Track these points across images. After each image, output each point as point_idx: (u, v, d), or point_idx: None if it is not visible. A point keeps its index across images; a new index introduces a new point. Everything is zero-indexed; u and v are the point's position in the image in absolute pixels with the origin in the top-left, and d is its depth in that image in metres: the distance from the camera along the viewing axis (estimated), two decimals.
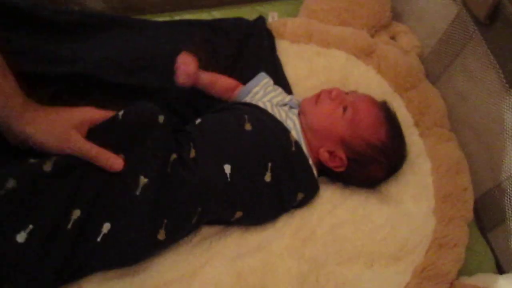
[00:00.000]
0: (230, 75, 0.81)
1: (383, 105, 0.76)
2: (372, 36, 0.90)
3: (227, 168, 0.66)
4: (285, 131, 0.71)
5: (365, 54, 0.86)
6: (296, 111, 0.77)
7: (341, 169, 0.73)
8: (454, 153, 0.78)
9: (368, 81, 0.85)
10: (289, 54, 0.86)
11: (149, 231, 0.62)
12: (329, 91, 0.75)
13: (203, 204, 0.65)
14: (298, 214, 0.72)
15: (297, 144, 0.71)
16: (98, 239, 0.59)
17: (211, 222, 0.70)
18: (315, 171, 0.72)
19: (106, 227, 0.59)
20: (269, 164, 0.68)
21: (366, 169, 0.73)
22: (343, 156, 0.71)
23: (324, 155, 0.72)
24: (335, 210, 0.72)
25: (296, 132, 0.72)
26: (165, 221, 0.63)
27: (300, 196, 0.71)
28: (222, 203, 0.66)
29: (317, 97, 0.76)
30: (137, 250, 0.62)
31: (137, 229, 0.61)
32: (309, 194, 0.73)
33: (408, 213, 0.72)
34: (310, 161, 0.72)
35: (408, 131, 0.80)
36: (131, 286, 0.63)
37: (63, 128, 0.59)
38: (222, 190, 0.65)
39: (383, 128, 0.72)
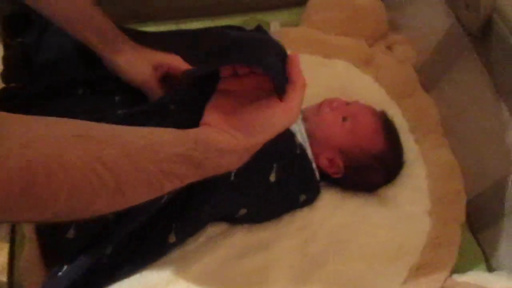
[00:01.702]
0: None
1: (382, 115, 0.79)
2: (370, 46, 0.94)
3: None
4: (290, 134, 0.74)
5: (364, 63, 0.90)
6: (300, 116, 0.80)
7: (339, 175, 0.76)
8: (448, 158, 0.82)
9: (367, 89, 0.88)
10: None
11: (160, 238, 0.65)
12: (331, 101, 0.78)
13: (208, 204, 0.67)
14: (300, 215, 0.75)
15: (301, 147, 0.74)
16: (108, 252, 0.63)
17: (216, 220, 0.73)
18: (317, 175, 0.75)
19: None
20: (275, 165, 0.70)
21: (363, 176, 0.76)
22: (341, 163, 0.75)
23: (323, 162, 0.75)
24: (336, 211, 0.76)
25: (300, 135, 0.76)
26: (174, 225, 0.66)
27: (302, 197, 0.74)
28: (226, 201, 0.69)
29: (319, 106, 0.79)
30: (148, 256, 0.66)
31: (148, 237, 0.65)
32: (311, 196, 0.76)
33: (406, 215, 0.76)
34: (314, 165, 0.75)
35: (404, 136, 0.83)
36: (138, 284, 0.65)
37: (145, 64, 0.67)
38: (226, 189, 0.67)
39: (380, 138, 0.75)
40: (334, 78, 0.89)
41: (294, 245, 0.72)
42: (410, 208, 0.77)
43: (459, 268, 0.74)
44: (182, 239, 0.68)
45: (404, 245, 0.73)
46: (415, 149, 0.83)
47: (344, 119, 0.75)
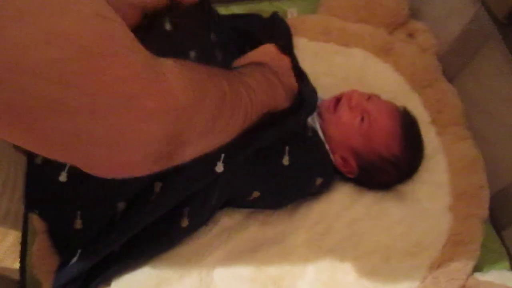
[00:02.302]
0: None
1: (403, 114, 0.74)
2: (390, 33, 0.91)
3: None
4: None
5: (383, 52, 0.87)
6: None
7: (352, 176, 0.74)
8: (470, 152, 0.79)
9: (386, 79, 0.85)
10: (306, 51, 0.86)
11: (172, 222, 0.64)
12: (350, 98, 0.74)
13: (220, 186, 0.65)
14: (316, 208, 0.73)
15: (313, 129, 0.72)
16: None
17: (229, 204, 0.71)
18: (332, 157, 0.73)
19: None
20: (287, 148, 0.68)
21: (377, 177, 0.74)
22: (354, 165, 0.73)
23: (337, 160, 0.73)
24: (352, 205, 0.74)
25: (311, 118, 0.73)
26: (187, 209, 0.64)
27: (319, 181, 0.72)
28: (237, 183, 0.67)
29: (336, 103, 0.75)
30: (161, 242, 0.65)
31: (161, 222, 0.63)
32: (328, 178, 0.73)
33: (424, 210, 0.74)
34: (327, 146, 0.73)
35: (425, 129, 0.80)
36: (149, 276, 0.65)
37: None
38: (237, 170, 0.65)
39: (398, 142, 0.71)
40: (351, 67, 0.86)
41: (310, 238, 0.70)
42: (429, 203, 0.75)
43: (482, 266, 0.71)
44: (194, 224, 0.66)
45: (423, 241, 0.71)
46: (436, 142, 0.80)
47: (362, 119, 0.72)
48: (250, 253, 0.68)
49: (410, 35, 0.92)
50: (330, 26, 0.88)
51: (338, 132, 0.73)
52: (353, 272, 0.68)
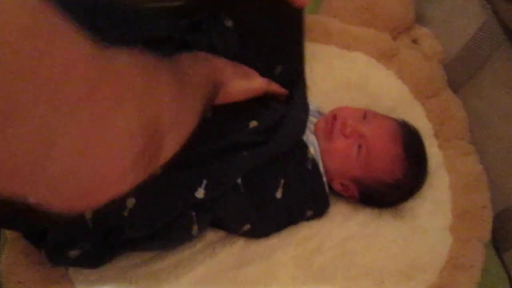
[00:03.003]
0: None
1: (403, 131, 0.69)
2: (394, 38, 0.86)
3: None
4: (303, 147, 0.67)
5: (386, 57, 0.82)
6: (315, 120, 0.72)
7: (354, 200, 0.71)
8: (474, 168, 0.75)
9: (388, 86, 0.81)
10: (306, 54, 0.81)
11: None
12: (343, 125, 0.68)
13: (211, 220, 0.63)
14: (307, 224, 0.69)
15: (314, 162, 0.67)
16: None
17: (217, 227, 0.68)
18: (327, 189, 0.69)
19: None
20: (282, 181, 0.65)
21: (379, 199, 0.71)
22: (355, 190, 0.69)
23: (337, 187, 0.70)
24: (346, 222, 0.70)
25: (314, 148, 0.68)
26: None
27: (309, 212, 0.69)
28: (230, 217, 0.64)
29: (331, 128, 0.69)
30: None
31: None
32: (319, 211, 0.70)
33: (423, 229, 0.70)
34: (324, 179, 0.68)
35: (428, 141, 0.76)
36: None
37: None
38: (236, 200, 0.63)
39: (400, 165, 0.67)
40: (352, 72, 0.81)
41: (299, 255, 0.66)
42: (428, 222, 0.71)
43: None
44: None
45: (420, 263, 0.67)
46: (438, 156, 0.76)
47: (359, 146, 0.67)
48: (234, 270, 0.64)
49: (414, 41, 0.88)
50: (331, 28, 0.83)
51: (335, 163, 0.68)
52: None
